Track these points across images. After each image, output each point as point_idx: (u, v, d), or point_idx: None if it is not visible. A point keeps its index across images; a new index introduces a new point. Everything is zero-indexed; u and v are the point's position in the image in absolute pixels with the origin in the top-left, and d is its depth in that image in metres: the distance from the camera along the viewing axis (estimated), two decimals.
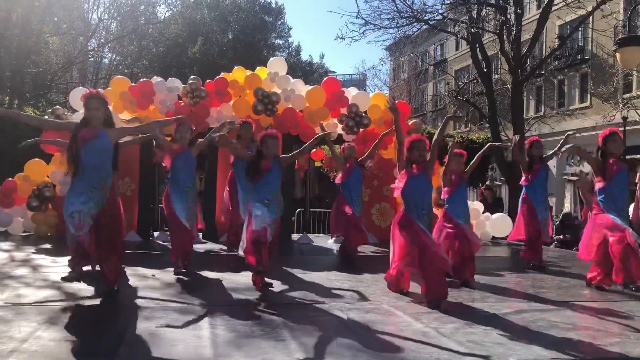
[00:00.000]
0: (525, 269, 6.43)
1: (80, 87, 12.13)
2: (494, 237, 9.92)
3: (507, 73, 15.70)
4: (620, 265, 4.74)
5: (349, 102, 8.83)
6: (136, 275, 5.15)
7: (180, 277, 5.19)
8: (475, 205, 9.74)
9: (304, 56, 44.02)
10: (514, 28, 14.35)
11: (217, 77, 8.78)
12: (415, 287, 4.64)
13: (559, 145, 6.29)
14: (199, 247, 7.39)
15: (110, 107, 8.18)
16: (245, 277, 5.00)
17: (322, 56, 77.42)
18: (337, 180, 6.93)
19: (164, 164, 5.58)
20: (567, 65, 22.71)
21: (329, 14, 58.73)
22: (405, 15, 15.13)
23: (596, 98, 21.06)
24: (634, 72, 18.36)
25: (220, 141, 5.50)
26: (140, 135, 5.85)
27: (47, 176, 8.74)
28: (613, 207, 4.94)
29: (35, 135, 7.75)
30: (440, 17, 15.89)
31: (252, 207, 4.67)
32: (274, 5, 36.88)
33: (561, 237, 10.34)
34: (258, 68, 9.10)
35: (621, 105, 17.93)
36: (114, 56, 28.85)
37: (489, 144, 6.38)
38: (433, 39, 28.63)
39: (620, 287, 5.04)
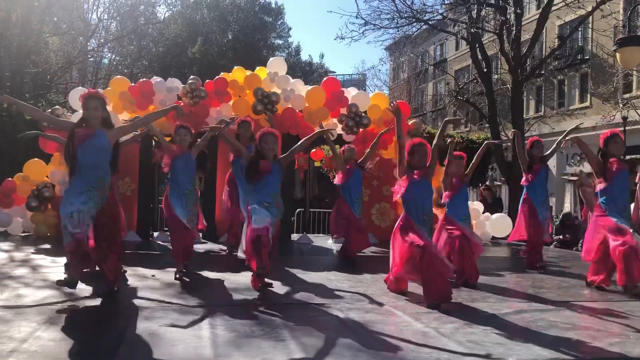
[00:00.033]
0: (526, 269, 6.42)
1: (80, 87, 12.14)
2: (493, 237, 9.92)
3: (507, 73, 15.70)
4: (623, 268, 4.68)
5: (349, 102, 8.83)
6: (136, 275, 5.15)
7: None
8: (475, 206, 9.74)
9: (304, 56, 43.97)
10: (514, 28, 14.35)
11: (217, 77, 8.78)
12: (415, 287, 4.63)
13: (561, 137, 6.26)
14: (199, 247, 7.39)
15: (110, 107, 8.27)
16: (245, 277, 5.00)
17: (321, 56, 77.46)
18: (336, 181, 6.91)
19: (163, 166, 5.54)
20: (567, 65, 22.72)
21: (328, 14, 58.63)
22: (405, 15, 15.13)
23: (596, 98, 21.07)
24: (634, 72, 18.36)
25: (211, 132, 5.52)
26: (139, 131, 5.84)
27: (47, 176, 8.73)
28: (615, 208, 4.90)
29: (36, 135, 7.73)
30: (440, 17, 15.88)
31: (252, 210, 4.65)
32: (273, 6, 36.94)
33: (561, 237, 10.35)
34: (258, 68, 9.10)
35: (621, 105, 17.94)
36: (114, 56, 28.88)
37: (485, 142, 6.38)
38: (433, 39, 28.61)
39: (620, 289, 5.04)
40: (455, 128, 27.85)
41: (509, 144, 16.72)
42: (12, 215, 8.73)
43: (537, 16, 15.11)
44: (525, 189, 6.46)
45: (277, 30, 37.04)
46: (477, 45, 15.26)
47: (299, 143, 5.17)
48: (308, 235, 9.58)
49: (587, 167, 9.83)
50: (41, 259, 6.14)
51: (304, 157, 9.50)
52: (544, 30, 18.49)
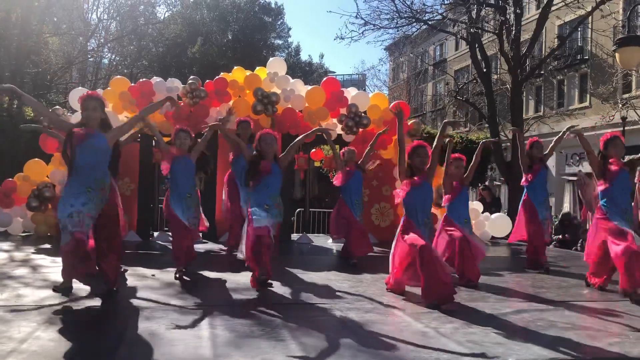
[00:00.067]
0: (526, 269, 6.43)
1: (80, 88, 12.15)
2: (493, 237, 9.92)
3: (507, 73, 15.71)
4: (625, 272, 4.62)
5: (349, 102, 8.83)
6: (136, 275, 5.16)
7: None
8: (474, 205, 9.74)
9: (304, 56, 44.04)
10: (514, 28, 14.36)
11: (217, 77, 8.78)
12: (415, 287, 4.64)
13: (557, 137, 6.25)
14: (199, 247, 7.38)
15: (110, 108, 8.26)
16: (245, 277, 5.00)
17: (321, 56, 77.19)
18: (335, 182, 6.86)
19: (162, 170, 5.53)
20: (567, 66, 22.72)
21: (328, 14, 58.90)
22: (405, 15, 15.15)
23: (595, 98, 21.06)
24: (633, 72, 18.35)
25: (211, 130, 5.55)
26: (136, 128, 5.85)
27: (47, 176, 8.73)
28: (616, 210, 4.85)
29: (36, 135, 7.76)
30: (439, 17, 15.90)
31: (252, 212, 4.64)
32: (273, 6, 36.91)
33: (560, 237, 10.35)
34: (257, 68, 9.10)
35: (620, 106, 17.93)
36: (114, 56, 28.83)
37: (482, 141, 6.38)
38: (432, 39, 28.64)
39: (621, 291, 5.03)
40: (454, 129, 27.83)
41: (509, 144, 16.75)
42: (12, 215, 8.73)
43: (537, 16, 15.12)
44: (525, 190, 6.46)
45: (276, 31, 37.05)
46: (476, 46, 15.27)
47: (295, 140, 5.14)
48: (308, 235, 9.58)
49: (586, 167, 9.83)
50: (41, 259, 6.15)
51: (304, 158, 9.50)
52: (544, 31, 18.50)
